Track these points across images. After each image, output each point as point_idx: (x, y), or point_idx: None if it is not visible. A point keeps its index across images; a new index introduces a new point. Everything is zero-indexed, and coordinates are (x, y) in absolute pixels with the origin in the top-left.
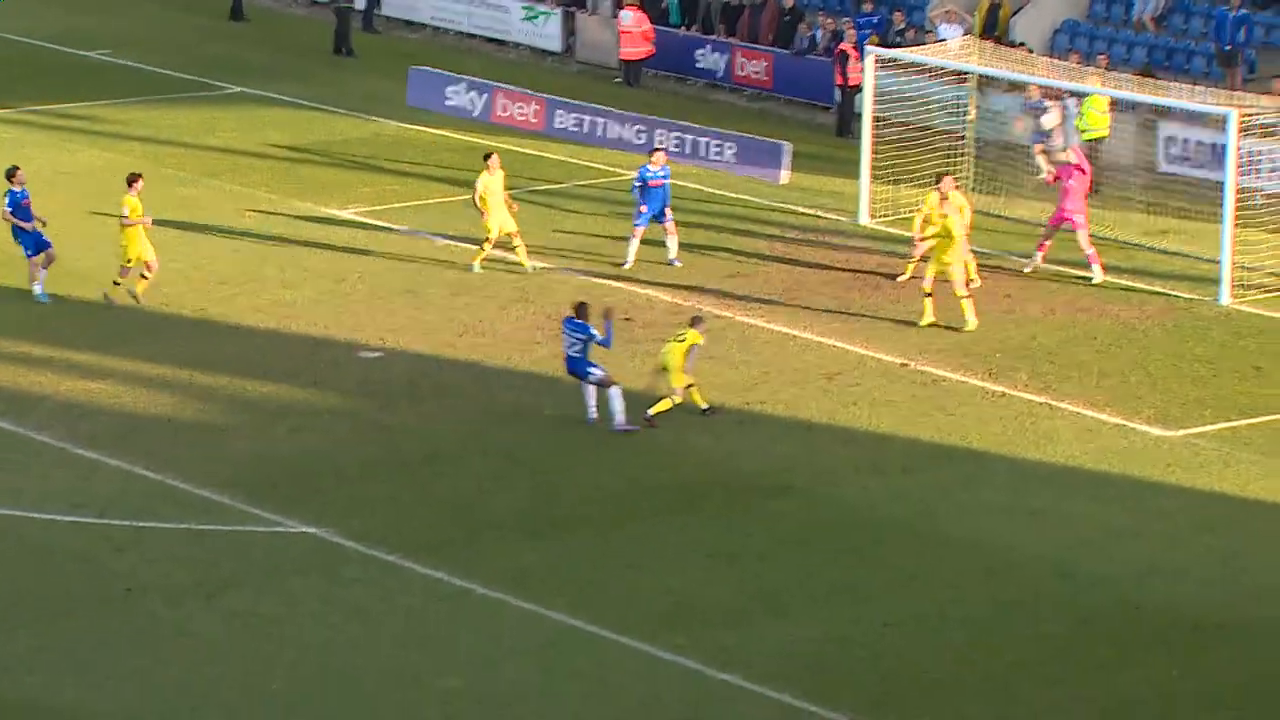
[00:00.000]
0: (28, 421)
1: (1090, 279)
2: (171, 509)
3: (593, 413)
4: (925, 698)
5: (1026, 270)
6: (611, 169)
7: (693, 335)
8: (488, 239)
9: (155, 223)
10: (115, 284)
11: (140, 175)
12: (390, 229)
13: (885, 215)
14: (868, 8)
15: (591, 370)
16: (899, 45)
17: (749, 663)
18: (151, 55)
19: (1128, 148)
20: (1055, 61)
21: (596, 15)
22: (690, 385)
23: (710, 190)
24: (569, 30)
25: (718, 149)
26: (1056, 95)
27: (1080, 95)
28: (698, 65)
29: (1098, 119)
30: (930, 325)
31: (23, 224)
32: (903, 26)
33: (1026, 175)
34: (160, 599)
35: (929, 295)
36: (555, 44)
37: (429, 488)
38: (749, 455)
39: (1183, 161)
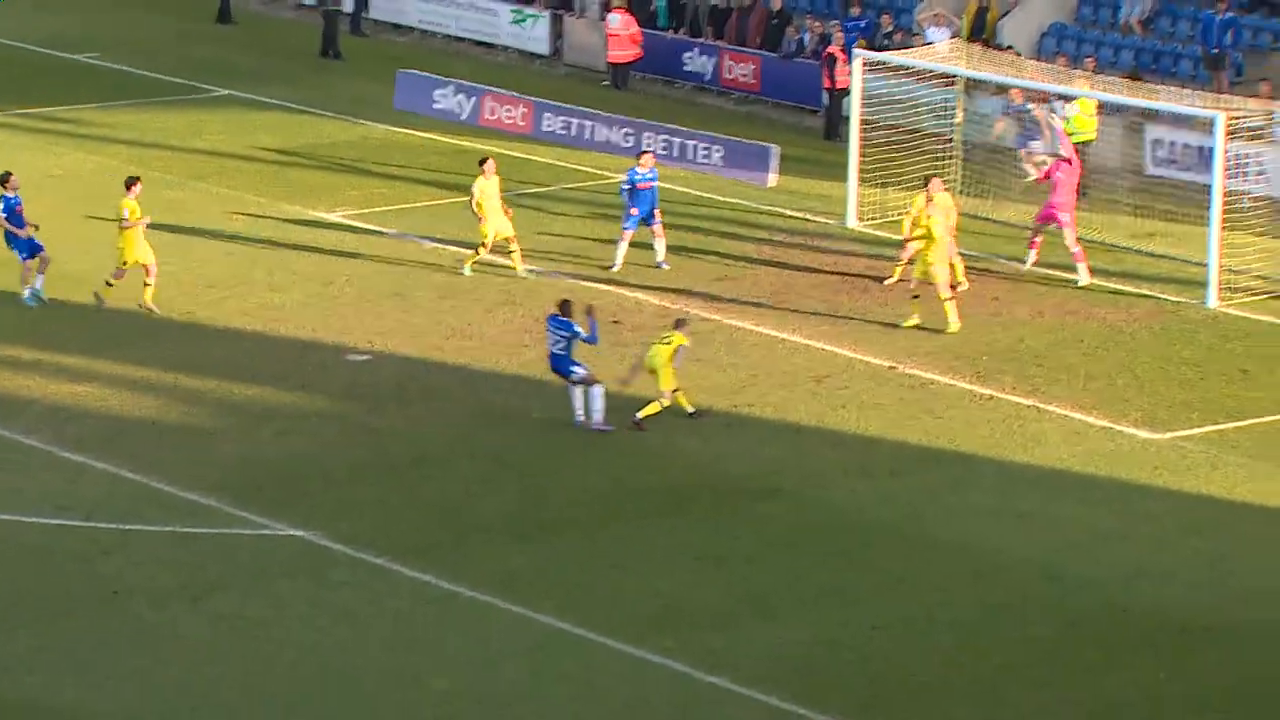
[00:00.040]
0: (15, 425)
1: (1076, 281)
2: (158, 512)
3: (580, 415)
4: (913, 700)
5: (1024, 269)
6: (599, 172)
7: (678, 337)
8: (484, 244)
9: (146, 225)
10: (108, 284)
11: (138, 179)
12: (378, 232)
13: (873, 218)
14: (855, 11)
15: (575, 369)
16: (887, 48)
17: (737, 665)
18: (138, 58)
19: (1115, 151)
20: (1043, 64)
21: (584, 18)
22: (676, 389)
23: (698, 193)
24: (557, 33)
25: (705, 152)
26: (1043, 98)
27: (1069, 99)
28: (685, 68)
29: (1085, 122)
30: (914, 327)
31: (16, 230)
32: (890, 29)
33: (1014, 178)
34: (146, 602)
35: (916, 297)
36: (543, 47)
37: (417, 490)
38: (737, 458)
39: (1170, 164)
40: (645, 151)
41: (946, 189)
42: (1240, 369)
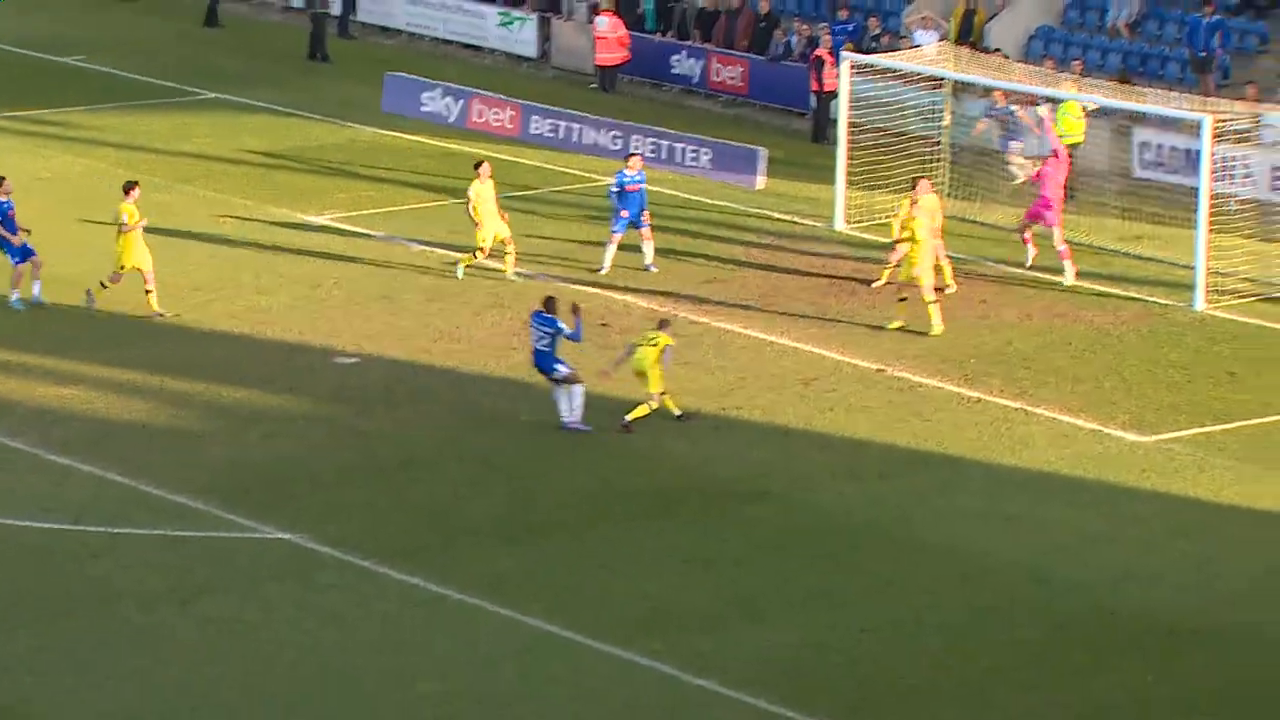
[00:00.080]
0: (0, 427)
1: (1061, 282)
2: (146, 515)
3: (565, 417)
4: (901, 703)
5: (1027, 264)
6: (587, 174)
7: (663, 338)
8: (481, 248)
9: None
10: (103, 285)
11: (136, 183)
12: (366, 235)
13: (861, 221)
14: (843, 14)
15: (558, 366)
16: (874, 51)
17: (725, 668)
18: (126, 61)
19: (1103, 153)
20: (1030, 67)
21: (572, 21)
22: (664, 392)
23: (686, 196)
24: (544, 36)
25: (693, 155)
26: (1032, 101)
27: (1055, 101)
28: (673, 71)
29: (1073, 124)
30: (898, 329)
31: (10, 236)
32: (878, 32)
33: (1002, 180)
34: (135, 605)
35: (903, 300)
36: (531, 50)
37: (405, 493)
38: (725, 460)
39: (1157, 167)
40: (633, 154)
41: (934, 190)
42: (1227, 371)
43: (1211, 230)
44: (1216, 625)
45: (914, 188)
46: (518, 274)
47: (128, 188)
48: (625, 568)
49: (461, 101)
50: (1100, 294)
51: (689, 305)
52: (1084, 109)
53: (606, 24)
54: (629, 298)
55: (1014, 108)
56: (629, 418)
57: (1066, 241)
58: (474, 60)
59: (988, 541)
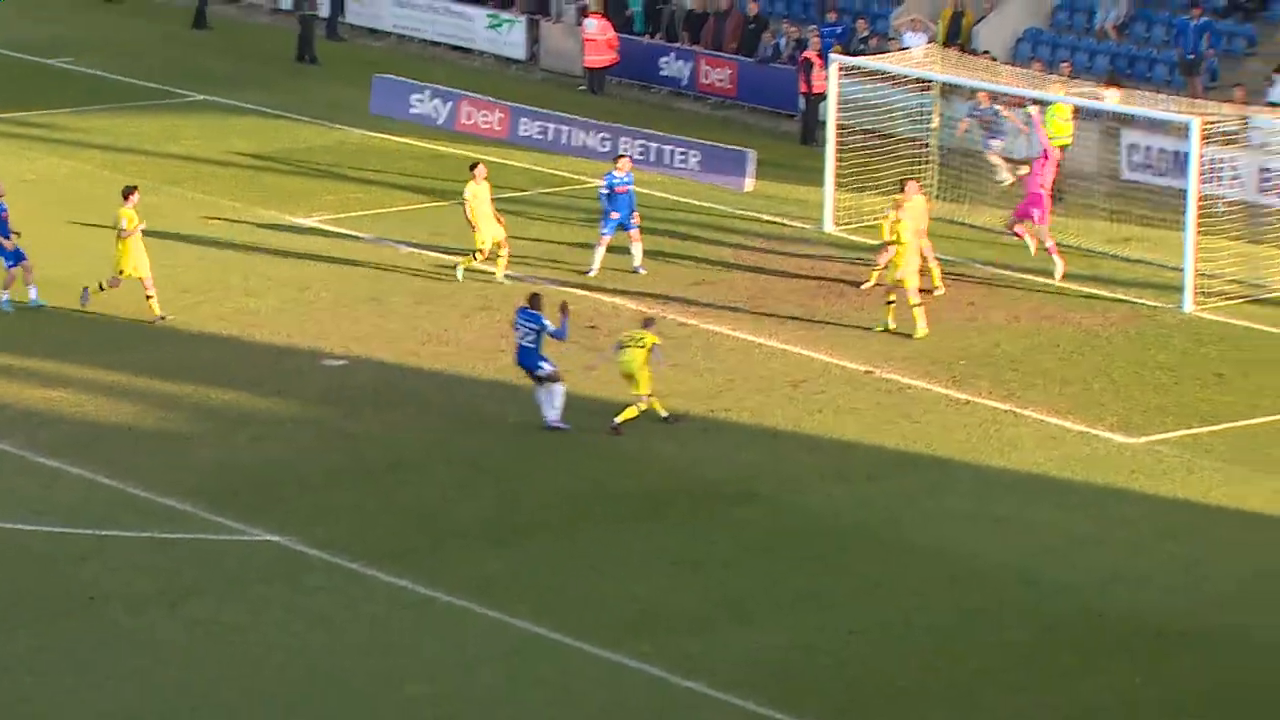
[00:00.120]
0: None
1: (1053, 278)
2: (134, 517)
3: (549, 416)
4: (890, 705)
5: (1033, 253)
6: (576, 177)
7: (650, 337)
8: (480, 250)
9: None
10: (100, 287)
11: (136, 188)
12: (354, 237)
13: (849, 223)
14: (832, 16)
15: (542, 364)
16: (862, 53)
17: (714, 670)
18: (113, 63)
19: (1091, 155)
20: (1018, 69)
21: (561, 23)
22: (651, 394)
23: (675, 198)
24: (533, 38)
25: (682, 157)
26: (1019, 103)
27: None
28: (662, 73)
29: (1061, 126)
30: (884, 331)
31: (3, 240)
32: (866, 34)
33: (990, 182)
34: (122, 607)
35: (891, 303)
36: (520, 52)
37: (393, 495)
38: (714, 462)
39: (1145, 169)
40: (621, 155)
41: (922, 190)
42: (1215, 373)
43: (1199, 232)
44: (1204, 627)
45: (902, 190)
46: (508, 276)
47: (127, 193)
48: (613, 570)
49: (450, 103)
50: (1088, 296)
51: (678, 307)
52: (1074, 110)
53: (595, 26)
54: (618, 300)
55: (998, 108)
56: (618, 420)
57: (1054, 239)
58: (462, 62)
59: (976, 543)
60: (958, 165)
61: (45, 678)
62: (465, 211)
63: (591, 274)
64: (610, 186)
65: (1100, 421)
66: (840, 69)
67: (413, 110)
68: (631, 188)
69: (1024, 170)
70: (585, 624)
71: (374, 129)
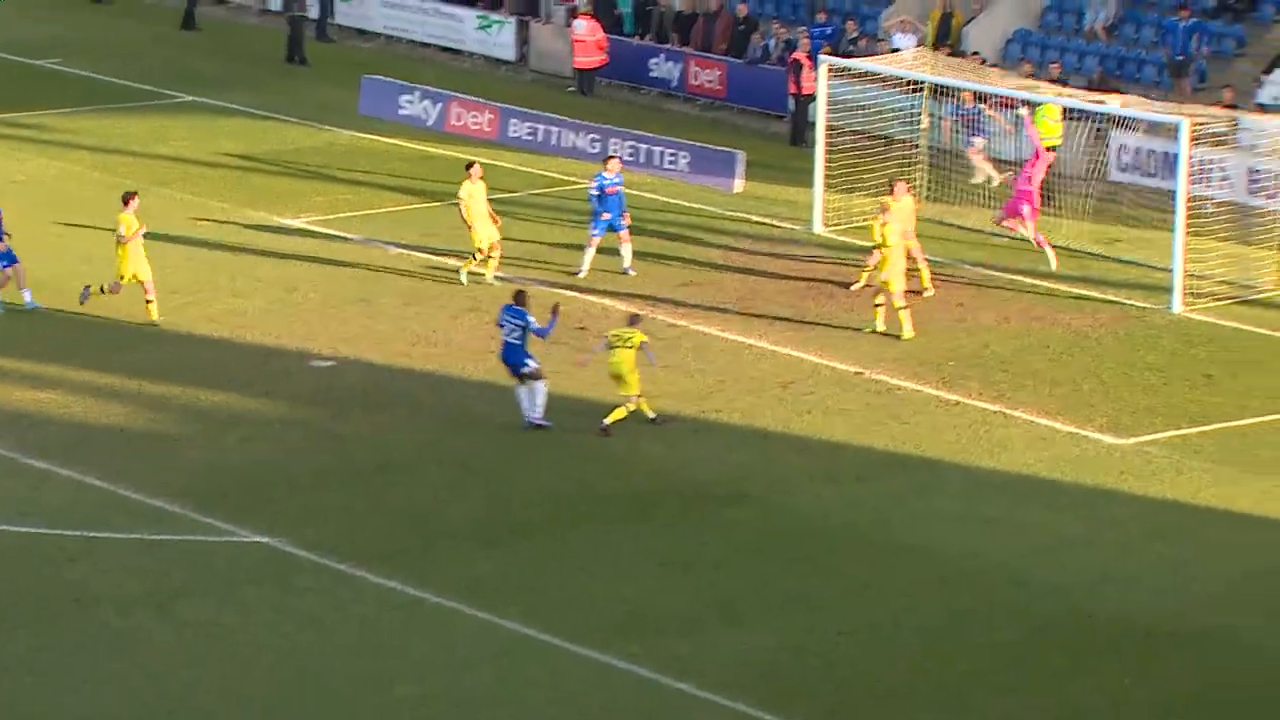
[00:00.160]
0: None
1: (1049, 264)
2: (123, 519)
3: (529, 414)
4: (879, 706)
5: (1031, 238)
6: (566, 178)
7: (638, 335)
8: (479, 250)
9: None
10: (100, 290)
11: (135, 193)
12: (343, 238)
13: (839, 224)
14: (821, 17)
15: (528, 361)
16: (852, 54)
17: (703, 671)
18: (102, 64)
19: (1080, 156)
20: (1008, 70)
21: (550, 24)
22: (640, 395)
23: (664, 199)
24: (523, 39)
25: (671, 158)
26: (1011, 104)
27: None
28: (651, 74)
29: (1051, 128)
30: (874, 332)
31: None
32: (856, 35)
33: (980, 183)
34: (112, 609)
35: (879, 305)
36: (509, 53)
37: (382, 497)
38: (703, 464)
39: (1134, 170)
40: (612, 156)
41: (911, 193)
42: (1204, 374)
43: (1188, 233)
44: (1193, 628)
45: (891, 191)
46: (498, 278)
47: (126, 198)
48: (603, 571)
49: (440, 104)
50: (1078, 296)
51: (667, 308)
52: (1064, 110)
53: (585, 27)
54: (607, 301)
55: (981, 106)
56: (607, 421)
57: (1042, 233)
58: (452, 63)
59: (966, 544)
60: (947, 166)
61: (36, 679)
62: (461, 211)
63: (581, 275)
64: (601, 188)
65: (1090, 422)
66: (830, 70)
67: (402, 111)
68: (621, 188)
69: (1009, 173)
70: (575, 625)
71: (363, 130)
